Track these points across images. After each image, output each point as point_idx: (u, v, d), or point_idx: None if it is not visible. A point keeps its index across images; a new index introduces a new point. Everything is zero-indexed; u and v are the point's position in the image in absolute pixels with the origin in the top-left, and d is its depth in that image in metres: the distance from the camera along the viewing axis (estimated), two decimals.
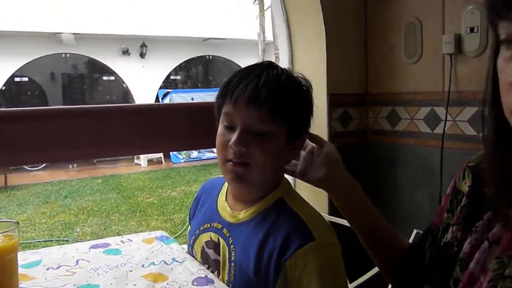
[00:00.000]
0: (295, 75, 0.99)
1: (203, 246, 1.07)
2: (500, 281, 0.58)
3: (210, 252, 1.05)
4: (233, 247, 0.99)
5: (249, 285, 0.94)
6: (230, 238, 1.00)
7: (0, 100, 12.61)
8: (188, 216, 1.26)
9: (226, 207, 1.05)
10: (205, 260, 1.07)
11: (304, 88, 0.99)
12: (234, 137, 0.92)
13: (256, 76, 0.93)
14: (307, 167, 1.00)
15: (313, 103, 1.01)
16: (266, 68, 0.95)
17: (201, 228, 1.09)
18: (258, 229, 0.96)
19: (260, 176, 0.95)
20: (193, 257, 1.11)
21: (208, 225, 1.07)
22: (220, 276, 1.01)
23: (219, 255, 1.02)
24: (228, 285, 0.97)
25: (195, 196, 1.23)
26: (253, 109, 0.91)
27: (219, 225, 1.04)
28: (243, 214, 1.01)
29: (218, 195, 1.11)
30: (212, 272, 1.03)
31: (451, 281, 0.67)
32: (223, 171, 0.98)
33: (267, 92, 0.91)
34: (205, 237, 1.07)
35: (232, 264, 0.97)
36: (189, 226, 1.20)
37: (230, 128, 0.95)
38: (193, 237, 1.11)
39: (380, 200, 2.08)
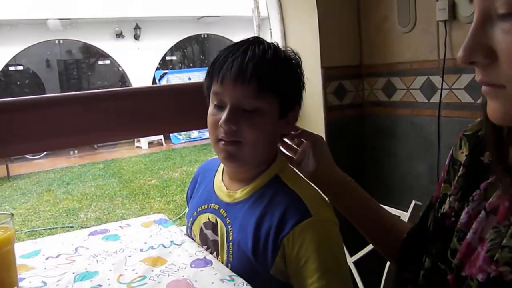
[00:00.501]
0: (283, 49, 0.98)
1: (201, 227, 1.07)
2: (497, 251, 0.57)
3: (209, 233, 1.05)
4: (230, 227, 0.98)
5: (247, 264, 0.94)
6: (228, 218, 1.00)
7: None
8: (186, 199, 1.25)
9: (222, 187, 1.05)
10: (204, 241, 1.07)
11: (293, 61, 0.98)
12: (223, 116, 0.91)
13: (242, 53, 0.91)
14: (302, 159, 1.00)
15: (303, 76, 1.00)
16: (252, 44, 0.93)
17: (198, 210, 1.09)
18: (255, 207, 0.96)
19: (253, 153, 0.95)
20: (192, 238, 1.11)
21: (206, 206, 1.07)
22: (219, 256, 1.01)
23: (217, 236, 1.02)
24: (227, 265, 0.97)
25: (191, 178, 1.23)
26: (240, 86, 0.90)
27: (216, 205, 1.04)
28: (240, 194, 1.00)
29: (214, 175, 1.11)
30: (211, 252, 1.03)
31: (449, 252, 0.66)
32: (216, 150, 0.97)
33: (253, 67, 0.89)
34: (203, 218, 1.07)
35: (230, 244, 0.97)
36: (187, 208, 1.20)
37: (220, 107, 0.93)
38: (191, 219, 1.11)
39: (378, 172, 2.07)
